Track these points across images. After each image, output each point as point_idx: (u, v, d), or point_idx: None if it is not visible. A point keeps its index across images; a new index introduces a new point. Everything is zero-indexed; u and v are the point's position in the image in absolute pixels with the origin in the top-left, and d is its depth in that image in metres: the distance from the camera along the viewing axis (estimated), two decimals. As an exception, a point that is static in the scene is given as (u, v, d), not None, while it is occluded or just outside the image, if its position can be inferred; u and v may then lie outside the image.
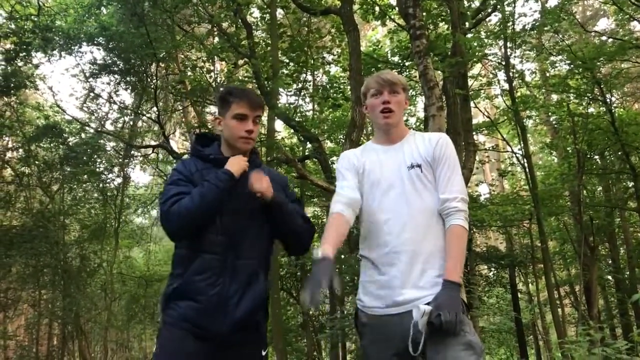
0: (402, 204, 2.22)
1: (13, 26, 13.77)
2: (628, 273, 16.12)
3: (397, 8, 9.58)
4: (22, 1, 13.99)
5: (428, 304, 2.05)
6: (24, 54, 14.01)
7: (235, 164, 2.36)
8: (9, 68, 13.86)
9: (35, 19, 13.70)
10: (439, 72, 8.83)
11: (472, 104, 12.14)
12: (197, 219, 2.29)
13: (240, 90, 2.53)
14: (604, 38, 15.32)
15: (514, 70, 14.60)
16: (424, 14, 8.51)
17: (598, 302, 14.83)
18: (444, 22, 11.01)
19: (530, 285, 20.21)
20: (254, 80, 12.20)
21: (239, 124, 2.43)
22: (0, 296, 15.18)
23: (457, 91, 7.21)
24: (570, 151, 15.77)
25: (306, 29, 13.21)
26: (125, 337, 20.19)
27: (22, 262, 14.81)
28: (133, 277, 18.22)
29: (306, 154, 12.51)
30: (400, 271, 2.16)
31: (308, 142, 11.50)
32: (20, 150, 15.82)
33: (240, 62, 13.70)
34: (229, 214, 2.34)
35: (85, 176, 14.50)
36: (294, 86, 13.33)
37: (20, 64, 14.28)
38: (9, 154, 16.34)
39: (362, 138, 7.96)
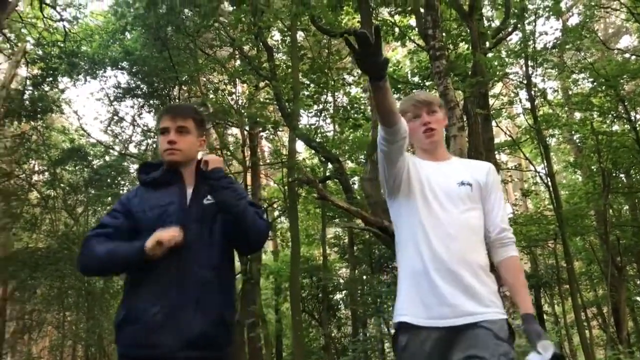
0: (452, 216, 2.19)
1: (40, 52, 14.12)
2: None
3: (416, 29, 9.62)
4: (49, 28, 14.37)
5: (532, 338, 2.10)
6: (51, 79, 14.36)
7: (161, 235, 2.15)
8: (36, 93, 14.20)
9: (62, 45, 14.04)
10: (460, 91, 8.82)
11: (493, 123, 12.07)
12: (100, 269, 2.35)
13: (165, 107, 2.50)
14: (627, 55, 15.18)
15: (536, 89, 14.51)
16: (444, 34, 8.53)
17: (627, 324, 14.46)
18: (464, 42, 11.02)
19: (556, 306, 19.82)
20: (275, 102, 12.34)
21: (163, 138, 2.38)
22: (25, 318, 15.32)
23: (478, 111, 7.18)
24: (594, 170, 15.55)
25: (326, 50, 13.33)
26: None
27: (47, 284, 14.96)
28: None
29: (327, 174, 12.53)
30: (452, 283, 2.09)
31: (329, 163, 11.52)
32: (46, 173, 16.11)
33: (262, 84, 13.86)
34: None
35: (110, 198, 14.66)
36: (315, 107, 13.42)
37: (46, 88, 14.62)
38: (35, 177, 16.65)
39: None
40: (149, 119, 21.51)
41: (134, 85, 14.67)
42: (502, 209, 2.30)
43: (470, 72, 8.20)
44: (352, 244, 15.61)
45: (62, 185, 15.54)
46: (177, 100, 14.48)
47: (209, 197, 2.33)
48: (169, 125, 2.38)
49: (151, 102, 15.16)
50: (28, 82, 14.38)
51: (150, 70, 13.62)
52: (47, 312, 15.90)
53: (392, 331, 2.27)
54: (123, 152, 16.00)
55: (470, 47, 8.46)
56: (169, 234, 2.15)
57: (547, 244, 16.75)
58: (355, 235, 15.37)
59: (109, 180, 15.14)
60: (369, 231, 7.91)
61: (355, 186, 12.51)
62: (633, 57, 14.43)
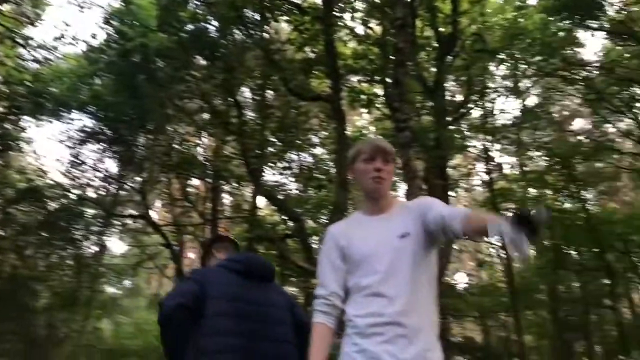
0: (395, 274, 2.14)
1: (7, 90, 14.00)
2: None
3: (383, 98, 9.97)
4: (18, 67, 14.30)
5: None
6: (14, 117, 14.18)
7: None
8: (-2, 130, 13.99)
9: (30, 85, 13.96)
10: (421, 162, 9.09)
11: (452, 194, 12.40)
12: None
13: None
14: (580, 137, 15.95)
15: (493, 163, 15.05)
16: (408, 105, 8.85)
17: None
18: (427, 114, 11.43)
19: (506, 380, 19.82)
20: (241, 157, 12.46)
21: None
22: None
23: (436, 182, 7.41)
24: (547, 245, 16.00)
25: (294, 110, 13.60)
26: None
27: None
28: (101, 349, 17.59)
29: (287, 232, 12.56)
30: (390, 345, 2.06)
31: (290, 221, 11.57)
32: (-1, 212, 15.65)
33: (228, 138, 13.98)
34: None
35: (62, 242, 14.30)
36: (280, 165, 13.56)
37: (8, 126, 14.41)
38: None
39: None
40: (110, 165, 21.30)
41: (98, 129, 14.58)
42: (441, 206, 2.22)
43: (432, 144, 8.50)
44: (308, 305, 15.47)
45: (12, 225, 15.10)
46: (142, 148, 14.45)
47: None
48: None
49: (114, 147, 15.06)
50: (-9, 118, 14.17)
51: (117, 116, 13.61)
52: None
53: None
54: (81, 196, 15.72)
55: (434, 120, 8.79)
56: None
57: (498, 315, 16.99)
58: (311, 296, 15.27)
59: (63, 224, 14.79)
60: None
61: (315, 246, 12.55)
62: (585, 140, 15.16)
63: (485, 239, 2.17)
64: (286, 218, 12.17)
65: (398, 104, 5.97)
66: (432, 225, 2.15)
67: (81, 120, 14.95)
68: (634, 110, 13.58)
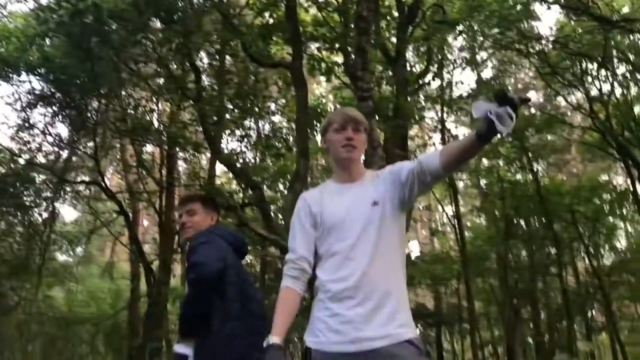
0: (366, 241, 2.18)
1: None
2: (547, 337, 16.71)
3: (343, 68, 9.93)
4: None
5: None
6: (-42, 78, 13.53)
7: None
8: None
9: (-26, 44, 13.32)
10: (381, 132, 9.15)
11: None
12: None
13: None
14: (532, 110, 16.30)
15: (449, 134, 15.28)
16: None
17: (519, 364, 15.22)
18: (387, 85, 11.47)
19: (455, 344, 20.56)
20: (198, 124, 12.26)
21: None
22: None
23: (397, 152, 7.48)
24: (498, 215, 16.48)
25: (253, 77, 13.41)
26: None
27: None
28: (53, 317, 17.29)
29: (245, 201, 12.50)
30: (361, 308, 2.12)
31: (248, 190, 11.52)
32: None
33: (184, 104, 13.71)
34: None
35: (11, 208, 13.86)
36: (238, 133, 13.41)
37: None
38: None
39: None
40: (62, 129, 20.69)
41: (49, 93, 14.05)
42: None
43: (392, 114, 8.55)
44: (264, 273, 15.57)
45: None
46: (95, 113, 14.01)
47: None
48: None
49: (66, 112, 14.56)
50: None
51: (68, 79, 13.13)
52: None
53: None
54: (31, 161, 15.21)
55: (394, 91, 8.83)
56: None
57: (450, 283, 17.49)
58: (268, 265, 15.36)
59: (12, 190, 14.31)
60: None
61: (274, 214, 12.55)
62: (538, 113, 15.53)
63: (466, 161, 2.14)
64: (244, 186, 12.10)
65: (361, 72, 5.96)
66: (411, 176, 2.18)
67: (30, 83, 14.38)
68: (585, 85, 13.97)
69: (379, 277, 2.16)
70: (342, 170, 2.39)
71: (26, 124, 14.87)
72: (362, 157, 2.51)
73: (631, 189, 15.02)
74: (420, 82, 11.45)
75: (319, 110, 13.45)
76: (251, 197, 10.17)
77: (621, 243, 19.08)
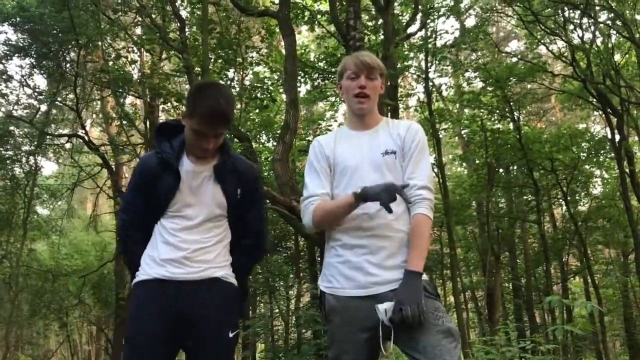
0: None
1: None
2: (525, 281, 17.23)
3: (330, 16, 9.82)
4: None
5: (393, 294, 2.11)
6: None
7: None
8: None
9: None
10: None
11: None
12: None
13: (207, 106, 2.23)
14: (515, 59, 16.34)
15: (432, 84, 15.29)
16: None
17: (500, 307, 15.77)
18: (375, 34, 11.39)
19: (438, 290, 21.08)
20: (179, 74, 12.11)
21: (197, 139, 2.30)
22: None
23: (387, 102, 7.52)
24: (479, 164, 16.71)
25: (236, 27, 13.18)
26: (27, 334, 19.19)
27: None
28: (39, 270, 17.35)
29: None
30: (372, 254, 2.20)
31: (237, 141, 11.49)
32: None
33: (165, 55, 13.47)
34: None
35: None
36: (221, 83, 13.26)
37: None
38: None
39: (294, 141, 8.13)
40: (40, 81, 20.21)
41: (26, 44, 13.71)
42: (416, 164, 2.29)
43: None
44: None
45: None
46: (75, 65, 13.72)
47: None
48: (207, 132, 2.28)
49: (44, 63, 14.26)
50: None
51: (45, 29, 12.82)
52: None
53: None
54: (9, 114, 14.95)
55: (382, 40, 8.80)
56: None
57: (433, 230, 17.83)
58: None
59: (-10, 144, 14.13)
60: (276, 211, 8.08)
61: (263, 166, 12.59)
62: (520, 62, 15.57)
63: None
64: (232, 138, 12.05)
65: (353, 21, 5.93)
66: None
67: (6, 34, 14.01)
68: (567, 34, 14.00)
69: (390, 225, 2.22)
70: (356, 119, 2.42)
71: (3, 76, 14.57)
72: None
73: (609, 137, 15.28)
74: (408, 31, 11.38)
75: (302, 61, 13.32)
76: (240, 149, 10.17)
77: (597, 190, 19.53)
